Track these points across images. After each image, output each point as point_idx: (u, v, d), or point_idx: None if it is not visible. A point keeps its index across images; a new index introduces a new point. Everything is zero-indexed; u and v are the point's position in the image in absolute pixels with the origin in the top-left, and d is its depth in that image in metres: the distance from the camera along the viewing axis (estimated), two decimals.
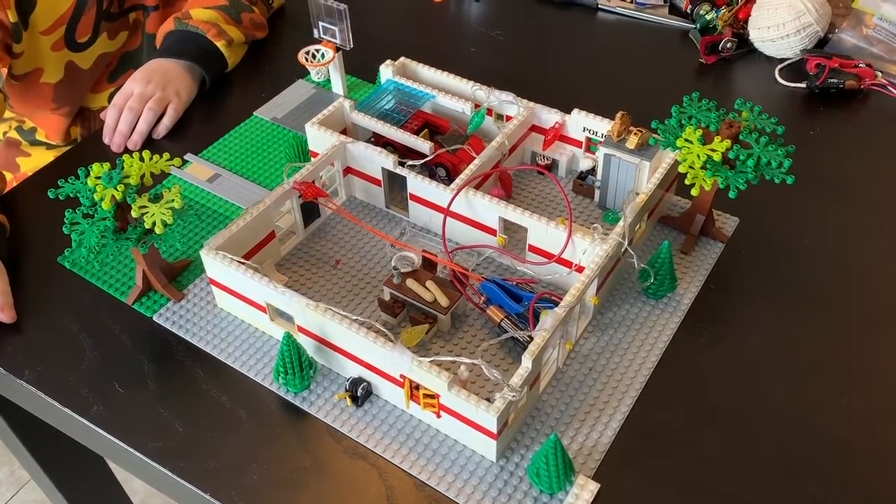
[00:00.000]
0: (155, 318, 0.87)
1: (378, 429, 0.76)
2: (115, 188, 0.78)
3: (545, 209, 0.97)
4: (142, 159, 0.82)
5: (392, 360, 0.73)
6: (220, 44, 1.15)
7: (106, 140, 1.09)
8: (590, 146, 0.98)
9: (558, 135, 0.99)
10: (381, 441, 0.75)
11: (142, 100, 1.09)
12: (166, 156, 0.83)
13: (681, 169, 0.82)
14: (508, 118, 1.01)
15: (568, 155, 1.00)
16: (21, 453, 1.13)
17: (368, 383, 0.78)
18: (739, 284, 0.88)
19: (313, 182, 0.91)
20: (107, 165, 0.80)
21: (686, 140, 0.82)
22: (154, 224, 0.77)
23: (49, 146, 1.31)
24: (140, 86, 1.10)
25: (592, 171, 0.98)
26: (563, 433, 0.75)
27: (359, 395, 0.77)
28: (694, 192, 0.81)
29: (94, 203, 0.79)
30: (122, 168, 0.80)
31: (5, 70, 1.14)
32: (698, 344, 0.83)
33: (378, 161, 0.93)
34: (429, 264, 0.86)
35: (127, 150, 1.08)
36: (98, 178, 0.79)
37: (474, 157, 0.92)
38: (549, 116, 0.98)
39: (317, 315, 0.76)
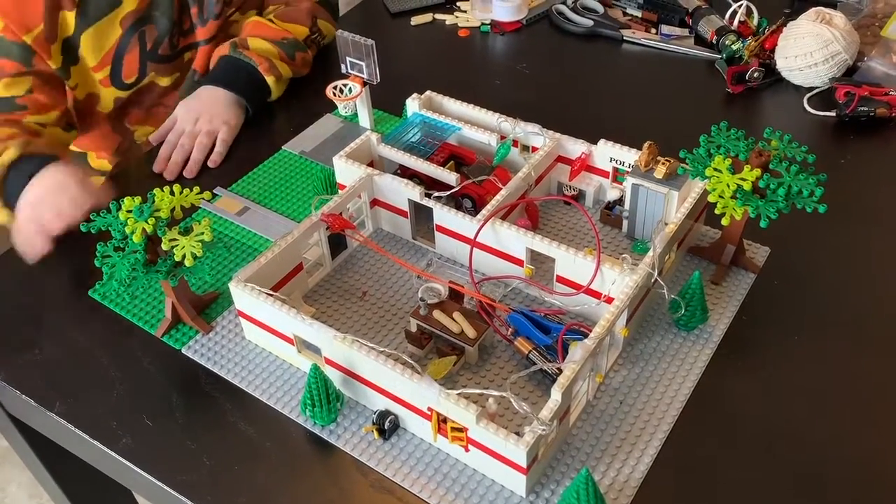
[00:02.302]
0: (184, 351, 0.87)
1: (405, 462, 0.75)
2: (146, 221, 0.79)
3: (573, 240, 0.96)
4: (172, 193, 0.83)
5: (419, 392, 0.72)
6: (269, 79, 1.18)
7: (157, 170, 1.12)
8: (617, 176, 0.98)
9: (585, 165, 0.98)
10: (408, 475, 0.74)
11: (192, 137, 1.13)
12: (196, 189, 0.84)
13: (710, 198, 0.81)
14: (534, 149, 1.01)
15: (595, 185, 0.99)
16: (50, 487, 1.13)
17: (396, 416, 0.77)
18: (772, 315, 0.87)
19: (341, 214, 0.91)
20: (138, 199, 0.81)
21: (715, 169, 0.81)
22: (184, 256, 0.78)
23: None
24: (189, 124, 1.14)
25: (620, 201, 0.97)
26: (594, 468, 0.73)
27: (386, 428, 0.77)
28: (724, 221, 0.80)
29: (125, 236, 0.80)
30: (153, 202, 0.81)
31: (58, 113, 1.14)
32: (731, 376, 0.81)
33: (404, 193, 0.93)
34: (455, 295, 0.86)
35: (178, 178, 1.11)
36: (129, 211, 0.80)
37: (500, 188, 0.92)
38: (575, 147, 0.98)
39: (344, 347, 0.76)
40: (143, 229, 0.79)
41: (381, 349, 0.75)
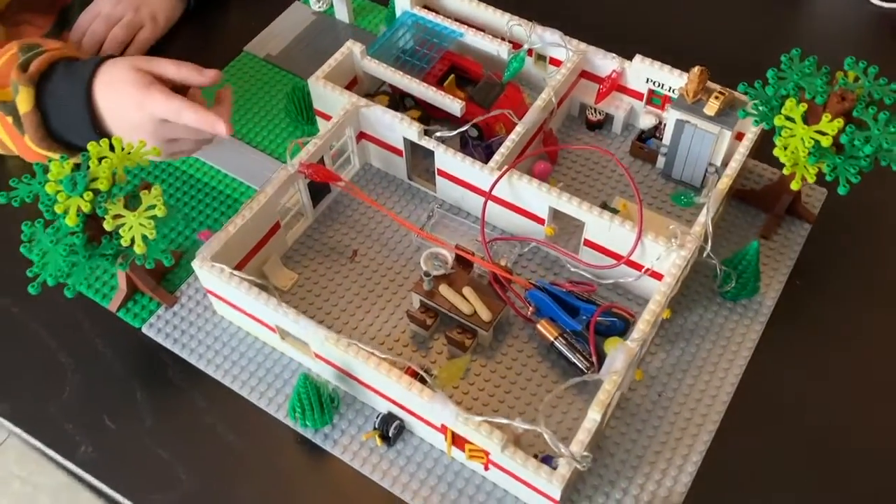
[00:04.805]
0: (144, 330, 0.74)
1: (414, 475, 0.65)
2: (81, 197, 0.62)
3: (598, 177, 0.81)
4: (111, 148, 0.66)
5: (433, 411, 0.61)
6: None
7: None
8: (652, 98, 0.82)
9: (616, 85, 0.82)
10: (418, 492, 0.64)
11: (108, 22, 0.92)
12: (142, 143, 0.67)
13: (778, 154, 0.66)
14: (554, 62, 0.83)
15: (625, 108, 0.83)
16: None
17: (401, 421, 0.66)
18: (832, 276, 0.75)
19: (322, 160, 0.75)
20: (68, 165, 0.64)
21: (787, 118, 0.66)
22: (133, 240, 0.63)
23: None
24: (109, 4, 0.92)
25: (655, 130, 0.82)
26: (630, 480, 0.64)
27: (390, 434, 0.66)
28: (794, 185, 0.66)
29: (55, 210, 0.64)
30: (88, 167, 0.64)
31: None
32: (786, 357, 0.71)
33: (399, 130, 0.76)
34: (463, 261, 0.72)
35: None
36: (59, 182, 0.63)
37: (514, 123, 0.75)
38: (604, 62, 0.81)
39: (337, 351, 0.63)
40: (79, 207, 0.63)
41: (383, 356, 0.62)
